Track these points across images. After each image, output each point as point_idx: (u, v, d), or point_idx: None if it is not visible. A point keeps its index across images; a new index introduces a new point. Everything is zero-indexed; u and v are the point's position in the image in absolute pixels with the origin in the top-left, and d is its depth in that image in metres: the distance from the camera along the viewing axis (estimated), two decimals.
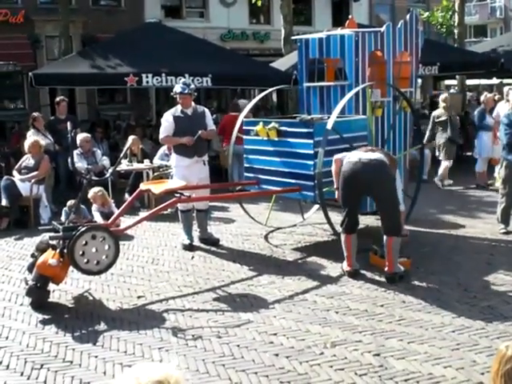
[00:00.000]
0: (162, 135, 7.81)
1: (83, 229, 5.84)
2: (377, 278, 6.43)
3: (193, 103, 7.76)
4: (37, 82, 11.64)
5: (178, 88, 7.59)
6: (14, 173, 9.47)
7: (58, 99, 11.76)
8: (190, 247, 7.73)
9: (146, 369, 1.94)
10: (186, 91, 7.53)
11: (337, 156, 6.63)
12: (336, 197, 6.69)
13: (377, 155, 6.40)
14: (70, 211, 6.84)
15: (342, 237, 6.54)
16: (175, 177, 7.80)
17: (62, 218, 7.91)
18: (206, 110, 7.92)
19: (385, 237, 6.31)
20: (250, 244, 7.98)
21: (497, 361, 2.41)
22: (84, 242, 5.79)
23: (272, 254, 7.47)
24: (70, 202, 8.24)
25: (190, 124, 7.59)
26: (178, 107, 7.71)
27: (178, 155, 7.72)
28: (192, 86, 7.74)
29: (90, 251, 5.84)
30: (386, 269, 6.34)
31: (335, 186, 6.64)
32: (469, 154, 13.05)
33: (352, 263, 6.51)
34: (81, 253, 5.79)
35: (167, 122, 7.69)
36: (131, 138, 10.36)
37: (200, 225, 8.04)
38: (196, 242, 7.93)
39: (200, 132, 7.57)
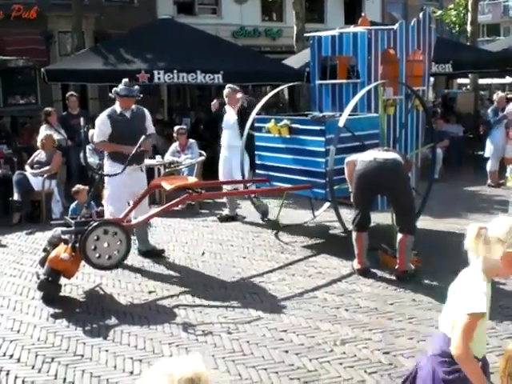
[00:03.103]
0: (97, 139, 7.13)
1: (95, 224, 5.88)
2: (387, 276, 6.43)
3: (133, 105, 7.13)
4: (49, 77, 11.72)
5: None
6: (27, 167, 9.52)
7: (67, 95, 11.86)
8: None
9: (176, 365, 1.87)
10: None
11: (348, 159, 6.59)
12: (352, 200, 6.67)
13: (391, 155, 6.39)
14: (82, 206, 6.86)
15: (354, 234, 6.53)
16: (110, 187, 7.06)
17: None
18: (146, 111, 7.24)
19: (399, 235, 6.30)
20: (260, 241, 7.99)
21: (504, 360, 2.41)
22: (96, 237, 5.84)
23: (282, 251, 7.48)
24: (77, 188, 8.28)
25: (129, 128, 6.89)
26: (116, 108, 7.04)
27: (115, 163, 6.92)
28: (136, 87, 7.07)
29: (101, 246, 5.89)
30: (396, 267, 6.34)
31: (350, 190, 6.62)
32: (480, 153, 12.97)
33: (362, 261, 6.51)
34: (93, 247, 5.83)
35: (103, 124, 6.97)
36: None
37: (139, 236, 7.31)
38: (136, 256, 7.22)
39: (141, 141, 6.72)
